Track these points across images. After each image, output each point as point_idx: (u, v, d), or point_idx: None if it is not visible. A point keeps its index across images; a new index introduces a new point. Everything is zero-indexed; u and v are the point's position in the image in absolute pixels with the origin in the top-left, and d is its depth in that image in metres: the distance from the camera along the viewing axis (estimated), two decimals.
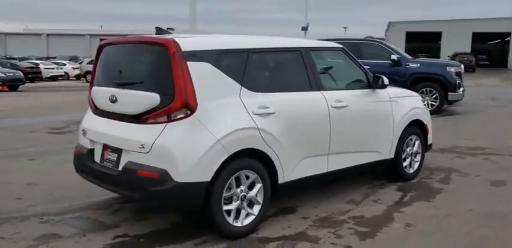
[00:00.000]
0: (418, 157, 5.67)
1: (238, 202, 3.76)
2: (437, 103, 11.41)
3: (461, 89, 11.71)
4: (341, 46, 4.96)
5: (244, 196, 3.79)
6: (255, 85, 3.92)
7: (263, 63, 4.12)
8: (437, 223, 4.19)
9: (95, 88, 4.20)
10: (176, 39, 3.62)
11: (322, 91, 4.42)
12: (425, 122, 5.66)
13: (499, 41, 45.37)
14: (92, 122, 4.18)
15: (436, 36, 41.66)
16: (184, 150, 3.49)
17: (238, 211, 3.78)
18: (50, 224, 4.13)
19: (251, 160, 3.80)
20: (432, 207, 4.64)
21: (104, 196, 4.85)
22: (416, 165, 5.65)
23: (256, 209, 3.88)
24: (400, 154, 5.33)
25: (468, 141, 8.10)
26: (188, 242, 3.74)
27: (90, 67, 28.85)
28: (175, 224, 4.13)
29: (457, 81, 11.60)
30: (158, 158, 3.50)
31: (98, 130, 4.05)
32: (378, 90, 5.03)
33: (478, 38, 41.09)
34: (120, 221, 4.19)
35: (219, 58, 3.75)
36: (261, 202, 3.89)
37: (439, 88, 11.37)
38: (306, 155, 4.22)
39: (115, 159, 3.86)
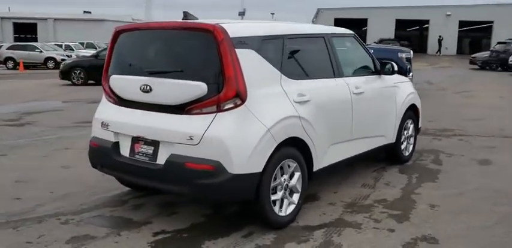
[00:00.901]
0: (412, 140, 5.91)
1: (282, 191, 3.72)
2: None
3: (410, 74, 12.29)
4: (353, 32, 5.00)
5: (287, 185, 3.75)
6: (291, 73, 3.86)
7: (296, 50, 4.05)
8: (456, 203, 4.41)
9: (116, 77, 3.91)
10: (223, 25, 3.45)
11: (343, 78, 4.45)
12: (418, 106, 5.90)
13: (418, 27, 48.03)
14: (115, 114, 3.90)
15: (363, 23, 43.29)
16: (238, 141, 3.37)
17: (281, 201, 3.74)
18: (73, 225, 3.83)
19: (293, 149, 3.76)
20: (441, 188, 4.87)
21: (110, 192, 4.61)
22: (410, 148, 5.88)
23: (296, 198, 3.86)
24: (400, 137, 5.52)
25: (433, 123, 8.55)
26: (234, 234, 3.64)
27: (10, 53, 26.94)
28: (209, 217, 4.00)
29: (408, 67, 12.15)
30: (210, 150, 3.36)
31: (126, 122, 3.79)
32: (383, 76, 5.15)
33: (401, 25, 43.26)
34: (148, 217, 3.99)
35: (262, 45, 3.64)
36: (300, 190, 3.87)
37: None
38: (333, 142, 4.24)
39: (150, 152, 3.65)
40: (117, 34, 3.99)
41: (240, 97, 3.40)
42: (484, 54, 26.35)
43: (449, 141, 7.16)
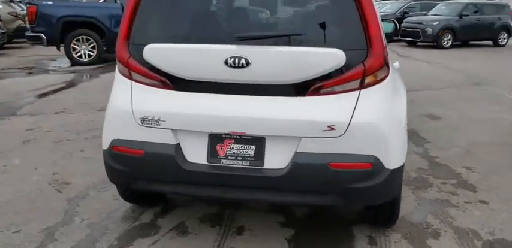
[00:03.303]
0: None
1: None
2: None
3: None
4: None
5: None
6: None
7: None
8: (476, 159, 4.41)
9: (166, 46, 2.56)
10: None
11: None
12: None
13: None
14: (170, 103, 2.58)
15: None
16: (394, 125, 2.55)
17: None
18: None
19: None
20: (444, 149, 4.81)
21: (122, 208, 3.26)
22: None
23: None
24: None
25: None
26: (359, 235, 2.92)
27: None
28: (292, 214, 3.10)
29: None
30: (359, 141, 2.45)
31: (196, 113, 2.54)
32: None
33: None
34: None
35: None
36: None
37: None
38: None
39: (250, 153, 2.54)
40: None
41: (388, 66, 2.56)
42: None
43: None
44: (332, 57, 2.41)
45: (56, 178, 3.83)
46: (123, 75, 2.70)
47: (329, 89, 2.47)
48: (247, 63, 2.43)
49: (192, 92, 2.57)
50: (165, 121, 2.57)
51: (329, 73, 2.44)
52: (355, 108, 2.45)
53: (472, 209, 3.35)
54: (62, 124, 5.55)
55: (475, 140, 5.08)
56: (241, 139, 2.55)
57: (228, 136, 2.55)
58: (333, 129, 2.43)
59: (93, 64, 10.42)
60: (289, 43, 2.45)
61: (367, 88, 2.48)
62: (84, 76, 9.23)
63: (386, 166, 2.49)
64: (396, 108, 2.63)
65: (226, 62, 2.43)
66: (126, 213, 3.23)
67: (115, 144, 2.69)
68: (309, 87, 2.46)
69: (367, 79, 2.48)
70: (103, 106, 3.49)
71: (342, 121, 2.43)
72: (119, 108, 2.68)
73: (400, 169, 2.60)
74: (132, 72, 2.65)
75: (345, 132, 2.43)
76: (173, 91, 2.59)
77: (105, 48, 10.59)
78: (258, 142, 2.53)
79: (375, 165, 2.46)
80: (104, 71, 9.69)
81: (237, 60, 2.42)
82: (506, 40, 16.81)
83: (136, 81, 2.65)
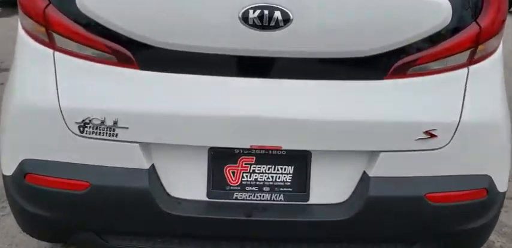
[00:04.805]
0: None
1: None
2: None
3: None
4: None
5: None
6: None
7: None
8: None
9: None
10: None
11: None
12: None
13: None
14: (138, 93, 1.37)
15: None
16: (508, 126, 1.57)
17: None
18: None
19: None
20: None
21: None
22: None
23: None
24: None
25: None
26: None
27: None
28: None
29: None
30: (471, 155, 1.46)
31: (190, 112, 1.36)
32: None
33: None
34: None
35: None
36: None
37: None
38: None
39: (288, 179, 1.44)
40: None
41: (502, 30, 1.55)
42: None
43: None
44: (434, 8, 1.35)
45: None
46: (36, 39, 1.42)
47: (423, 67, 1.42)
48: (286, 19, 1.28)
49: (177, 74, 1.38)
50: (126, 128, 1.37)
51: (424, 39, 1.38)
52: (464, 98, 1.44)
53: None
54: None
55: None
56: (269, 157, 1.44)
57: (246, 152, 1.42)
58: (433, 135, 1.40)
59: None
60: None
61: (477, 65, 1.47)
62: None
63: (499, 190, 1.54)
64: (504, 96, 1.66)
65: (244, 17, 1.28)
66: None
67: (29, 168, 1.44)
68: (391, 63, 1.39)
69: (479, 50, 1.46)
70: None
71: (447, 122, 1.41)
72: (32, 104, 1.42)
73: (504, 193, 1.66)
74: (55, 34, 1.38)
75: (451, 139, 1.42)
76: (140, 73, 1.38)
77: None
78: (300, 161, 1.44)
79: (490, 190, 1.49)
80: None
81: (266, 12, 1.27)
82: None
83: (63, 51, 1.39)
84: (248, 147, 1.37)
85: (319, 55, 1.36)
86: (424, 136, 1.40)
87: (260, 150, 1.41)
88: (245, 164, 1.43)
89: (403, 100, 1.40)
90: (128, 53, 1.36)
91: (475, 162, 1.47)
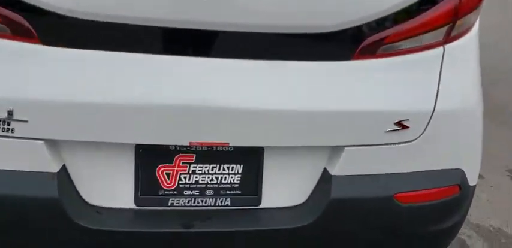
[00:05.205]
0: None
1: None
2: None
3: None
4: None
5: None
6: None
7: None
8: None
9: None
10: None
11: None
12: None
13: None
14: (40, 75, 1.05)
15: None
16: (481, 113, 1.38)
17: None
18: None
19: None
20: None
21: None
22: None
23: None
24: None
25: None
26: None
27: None
28: None
29: None
30: (445, 147, 1.27)
31: (108, 99, 1.06)
32: None
33: None
34: None
35: None
36: None
37: None
38: None
39: (236, 180, 1.19)
40: None
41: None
42: None
43: None
44: None
45: None
46: None
47: (395, 45, 1.19)
48: None
49: (91, 50, 1.06)
50: (25, 121, 1.06)
51: (397, 12, 1.16)
52: (439, 82, 1.23)
53: None
54: None
55: None
56: (213, 155, 1.17)
57: (184, 149, 1.15)
58: (405, 127, 1.20)
59: None
60: None
61: (453, 43, 1.26)
62: None
63: (470, 184, 1.38)
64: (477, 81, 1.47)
65: None
66: None
67: None
68: (358, 41, 1.15)
69: (457, 25, 1.25)
70: None
71: (421, 111, 1.21)
72: None
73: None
74: None
75: (424, 130, 1.22)
76: (41, 48, 1.05)
77: None
78: (250, 158, 1.19)
79: (462, 185, 1.32)
80: None
81: None
82: None
83: None
84: (186, 144, 1.10)
85: (271, 29, 1.10)
86: (395, 127, 1.19)
87: (201, 147, 1.15)
88: (183, 163, 1.16)
89: (372, 86, 1.18)
90: (26, 23, 1.03)
91: (448, 155, 1.29)
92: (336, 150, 1.19)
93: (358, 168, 1.21)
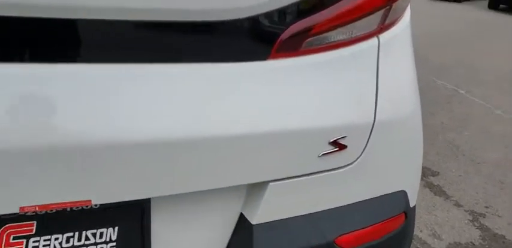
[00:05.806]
0: None
1: None
2: None
3: None
4: None
5: None
6: None
7: None
8: None
9: None
10: None
11: None
12: None
13: None
14: None
15: None
16: (417, 119, 1.11)
17: None
18: None
19: None
20: None
21: None
22: None
23: None
24: None
25: None
26: None
27: None
28: None
29: None
30: (388, 166, 0.98)
31: None
32: None
33: None
34: None
35: None
36: None
37: None
38: None
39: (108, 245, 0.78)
40: None
41: None
42: None
43: None
44: None
45: None
46: None
47: (321, 38, 0.86)
48: None
49: None
50: None
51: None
52: (377, 84, 0.94)
53: None
54: None
55: None
56: (67, 218, 0.74)
57: (15, 216, 0.71)
58: (342, 146, 0.88)
59: None
60: None
61: (387, 33, 0.97)
62: None
63: (411, 205, 1.12)
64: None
65: None
66: None
67: None
68: (274, 34, 0.80)
69: (393, 10, 0.96)
70: None
71: (359, 124, 0.90)
72: None
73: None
74: None
75: (364, 149, 0.92)
76: None
77: None
78: (129, 216, 0.78)
79: (407, 211, 1.06)
80: None
81: None
82: None
83: None
84: (16, 211, 0.67)
85: (148, 16, 0.70)
86: (331, 149, 0.86)
87: (43, 211, 0.71)
88: (14, 238, 0.72)
89: (296, 95, 0.84)
90: None
91: (390, 176, 1.01)
92: (255, 189, 0.84)
93: (287, 209, 0.87)
